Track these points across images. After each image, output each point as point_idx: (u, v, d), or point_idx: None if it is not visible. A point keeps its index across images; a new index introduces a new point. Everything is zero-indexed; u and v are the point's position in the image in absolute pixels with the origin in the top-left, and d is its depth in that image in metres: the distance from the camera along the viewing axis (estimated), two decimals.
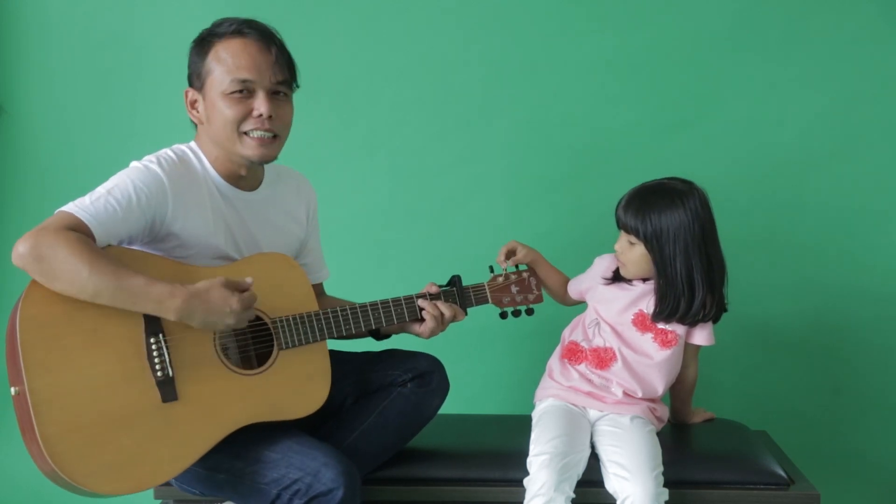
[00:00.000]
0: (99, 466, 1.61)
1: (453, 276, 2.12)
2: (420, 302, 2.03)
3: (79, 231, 1.66)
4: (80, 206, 1.70)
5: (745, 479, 1.99)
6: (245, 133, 1.85)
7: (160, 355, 1.70)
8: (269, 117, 1.84)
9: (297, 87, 1.95)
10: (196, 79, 1.88)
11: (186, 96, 1.91)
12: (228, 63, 1.83)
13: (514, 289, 2.16)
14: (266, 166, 2.01)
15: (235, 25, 1.86)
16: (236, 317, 1.72)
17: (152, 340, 1.70)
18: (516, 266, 2.19)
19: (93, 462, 1.60)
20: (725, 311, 2.08)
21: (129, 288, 1.64)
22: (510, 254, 2.15)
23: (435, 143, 2.77)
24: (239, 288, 1.74)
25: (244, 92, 1.84)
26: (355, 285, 2.52)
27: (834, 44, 2.66)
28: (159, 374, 1.69)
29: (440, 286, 2.09)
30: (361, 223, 2.78)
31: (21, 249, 1.61)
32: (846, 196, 2.70)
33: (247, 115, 1.84)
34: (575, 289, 2.20)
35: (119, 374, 1.67)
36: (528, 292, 2.18)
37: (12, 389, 1.62)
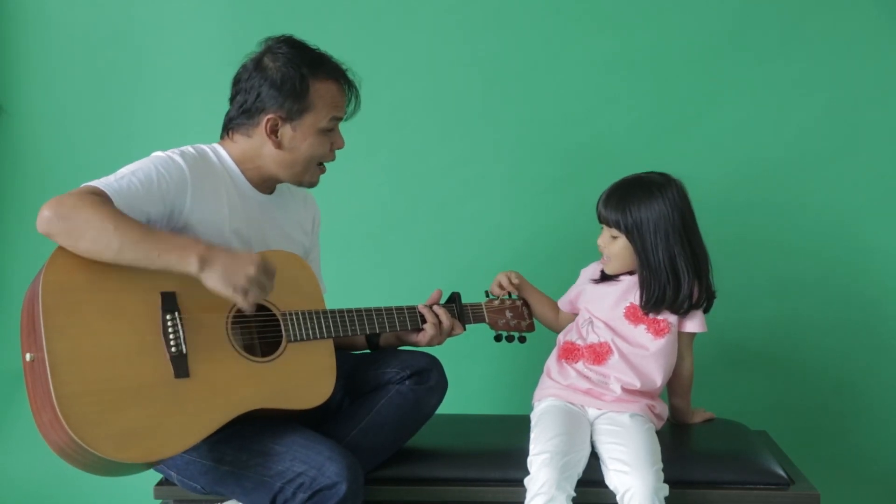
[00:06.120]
0: (111, 432, 1.62)
1: (453, 293, 2.18)
2: (421, 308, 2.08)
3: None
4: (104, 182, 1.74)
5: (745, 479, 1.99)
6: (318, 164, 1.99)
7: (175, 332, 1.73)
8: None
9: None
10: (292, 108, 1.90)
11: (266, 121, 1.91)
12: (328, 102, 1.93)
13: (508, 313, 2.24)
14: None
15: (331, 70, 1.94)
16: (257, 269, 1.70)
17: (168, 317, 1.73)
18: (509, 294, 2.25)
19: (105, 427, 1.62)
20: (714, 297, 2.10)
21: (155, 238, 1.68)
22: (505, 283, 2.22)
23: (435, 144, 2.77)
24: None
25: (332, 130, 1.96)
26: (354, 285, 2.52)
27: (834, 44, 2.66)
28: (173, 349, 1.72)
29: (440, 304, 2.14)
30: (361, 224, 2.78)
31: (46, 213, 1.65)
32: (846, 196, 2.70)
33: (330, 150, 1.99)
34: (565, 300, 2.24)
35: (135, 346, 1.69)
36: (521, 318, 2.26)
37: (27, 356, 1.64)
